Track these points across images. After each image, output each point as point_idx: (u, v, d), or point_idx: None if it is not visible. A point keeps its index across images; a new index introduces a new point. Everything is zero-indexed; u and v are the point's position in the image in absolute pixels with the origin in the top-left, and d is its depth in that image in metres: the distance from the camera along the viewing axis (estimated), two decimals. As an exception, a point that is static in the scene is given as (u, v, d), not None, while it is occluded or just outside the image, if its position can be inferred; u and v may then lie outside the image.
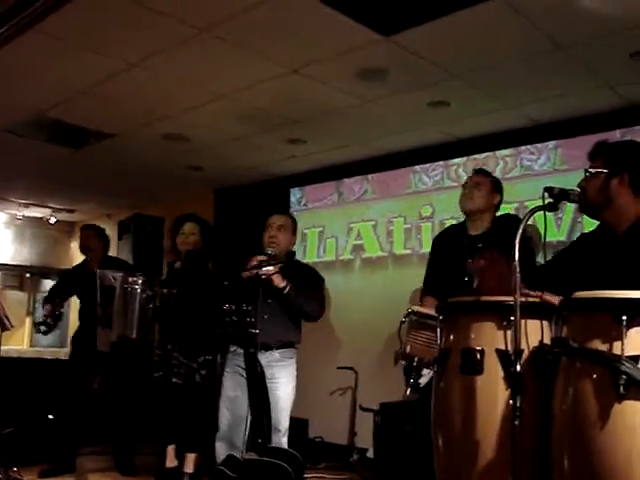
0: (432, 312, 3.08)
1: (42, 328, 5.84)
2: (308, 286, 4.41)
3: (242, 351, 4.22)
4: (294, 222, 4.65)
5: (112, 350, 5.29)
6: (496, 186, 4.33)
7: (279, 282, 4.22)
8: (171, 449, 5.11)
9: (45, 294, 10.65)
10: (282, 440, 4.30)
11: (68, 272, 6.33)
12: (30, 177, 8.01)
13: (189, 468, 4.98)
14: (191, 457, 5.00)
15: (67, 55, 4.50)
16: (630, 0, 3.63)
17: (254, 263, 4.21)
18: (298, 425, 6.31)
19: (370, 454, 5.66)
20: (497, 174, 5.87)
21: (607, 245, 2.82)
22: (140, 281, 4.92)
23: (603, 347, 2.11)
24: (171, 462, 5.10)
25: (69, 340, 6.31)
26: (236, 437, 4.25)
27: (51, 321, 5.83)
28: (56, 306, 5.86)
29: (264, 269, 4.20)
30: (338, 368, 6.23)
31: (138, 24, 4.06)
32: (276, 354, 4.34)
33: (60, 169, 7.48)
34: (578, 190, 2.76)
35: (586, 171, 2.84)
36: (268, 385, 4.21)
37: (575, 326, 2.26)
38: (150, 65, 4.62)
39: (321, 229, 7.22)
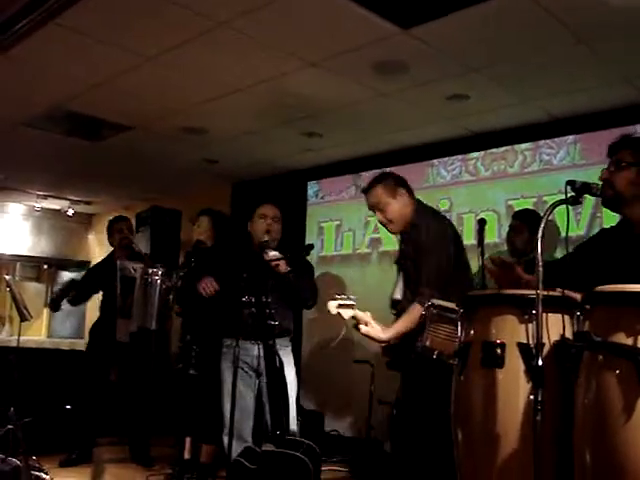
0: (452, 305, 3.07)
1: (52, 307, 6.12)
2: (304, 275, 4.53)
3: (248, 344, 4.26)
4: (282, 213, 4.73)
5: (131, 340, 5.32)
6: (392, 188, 3.84)
7: (283, 268, 4.28)
8: (188, 441, 5.14)
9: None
10: (293, 427, 4.33)
11: (94, 268, 6.38)
12: (48, 169, 8.06)
13: (205, 460, 5.01)
14: (207, 449, 5.03)
15: (85, 48, 4.53)
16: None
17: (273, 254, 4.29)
18: (314, 418, 6.34)
19: (387, 447, 5.66)
20: (516, 168, 5.89)
21: (627, 241, 2.80)
22: (160, 272, 4.94)
23: (627, 341, 2.09)
24: (188, 454, 5.13)
25: (87, 331, 6.34)
26: (243, 430, 4.28)
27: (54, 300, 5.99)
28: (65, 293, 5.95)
29: (271, 254, 4.31)
30: (354, 362, 6.22)
31: (157, 17, 4.08)
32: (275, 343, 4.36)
33: (78, 161, 7.52)
34: (599, 184, 2.73)
35: (618, 162, 2.80)
36: None
37: (598, 320, 2.25)
38: (168, 58, 4.63)
39: (338, 222, 7.22)
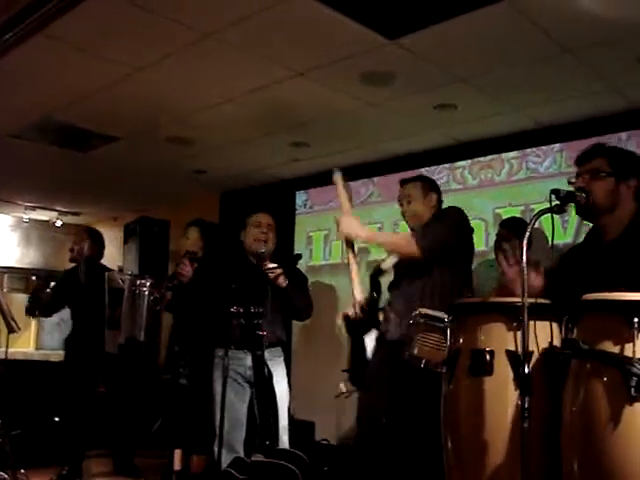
0: (440, 314, 3.08)
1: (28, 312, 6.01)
2: (299, 285, 4.52)
3: (241, 354, 4.25)
4: (276, 222, 4.73)
5: (119, 352, 5.29)
6: (427, 190, 4.02)
7: (282, 281, 4.27)
8: (178, 452, 5.12)
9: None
10: (284, 438, 4.32)
11: (61, 279, 6.31)
12: (36, 180, 8.04)
13: (195, 470, 4.99)
14: (197, 459, 5.01)
15: (73, 59, 4.52)
16: (637, 4, 3.64)
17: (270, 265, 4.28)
18: (304, 428, 6.33)
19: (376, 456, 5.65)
20: (503, 177, 5.91)
21: (597, 251, 2.81)
22: (148, 283, 4.92)
23: (614, 349, 2.11)
24: (178, 465, 5.11)
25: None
26: (234, 440, 4.26)
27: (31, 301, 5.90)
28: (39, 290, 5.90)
29: (270, 266, 4.28)
30: (343, 371, 6.21)
31: (144, 29, 4.09)
32: (266, 353, 4.35)
33: (66, 172, 7.50)
34: (583, 193, 2.73)
35: (596, 171, 2.81)
36: None
37: (586, 328, 2.26)
38: (156, 69, 4.64)
39: (327, 232, 7.22)
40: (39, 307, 5.98)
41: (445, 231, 3.72)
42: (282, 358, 4.54)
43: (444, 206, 4.05)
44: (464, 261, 3.90)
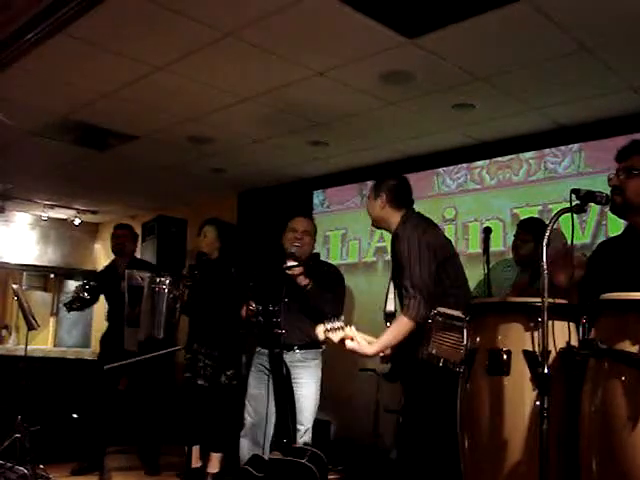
0: (458, 313, 3.08)
1: (67, 307, 5.85)
2: (328, 286, 4.51)
3: (266, 351, 4.27)
4: (315, 227, 4.78)
5: (139, 350, 5.33)
6: (377, 191, 3.91)
7: (302, 280, 4.29)
8: (196, 449, 5.15)
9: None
10: (301, 440, 4.33)
11: (96, 274, 6.35)
12: (55, 179, 8.08)
13: (213, 468, 5.02)
14: (215, 457, 5.04)
15: (95, 58, 4.55)
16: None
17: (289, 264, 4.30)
18: (321, 426, 6.34)
19: (393, 455, 5.66)
20: (521, 177, 5.90)
21: (633, 249, 2.80)
22: (167, 281, 4.95)
23: (632, 349, 2.10)
24: (196, 462, 5.14)
25: (95, 340, 6.33)
26: (259, 435, 4.29)
27: (76, 302, 5.85)
28: (83, 288, 5.85)
29: (289, 263, 4.30)
30: (360, 370, 6.23)
31: (164, 28, 4.10)
32: (297, 355, 4.41)
33: (85, 171, 7.54)
34: (604, 192, 2.72)
35: (630, 170, 2.78)
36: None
37: (604, 327, 2.26)
38: (175, 68, 4.66)
39: (344, 231, 7.23)
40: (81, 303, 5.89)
41: (417, 272, 3.55)
42: (316, 361, 4.55)
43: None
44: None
